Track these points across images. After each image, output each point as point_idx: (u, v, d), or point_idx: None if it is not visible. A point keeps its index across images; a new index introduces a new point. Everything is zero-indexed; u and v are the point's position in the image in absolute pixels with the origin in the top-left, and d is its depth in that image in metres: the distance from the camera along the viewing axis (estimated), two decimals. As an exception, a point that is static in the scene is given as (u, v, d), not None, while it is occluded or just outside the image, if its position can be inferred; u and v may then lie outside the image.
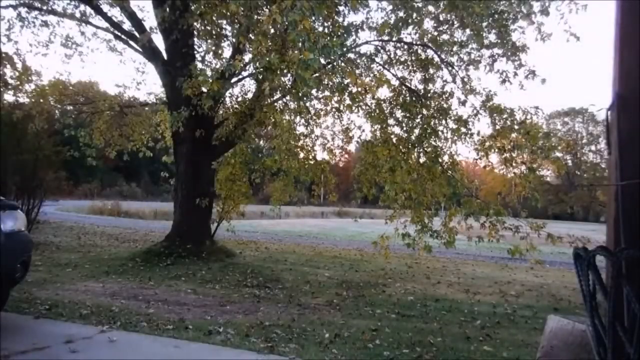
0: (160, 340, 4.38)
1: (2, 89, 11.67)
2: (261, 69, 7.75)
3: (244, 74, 9.99)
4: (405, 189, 9.00)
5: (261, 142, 15.15)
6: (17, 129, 10.93)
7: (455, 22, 8.94)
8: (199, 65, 8.85)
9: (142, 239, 13.35)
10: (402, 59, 9.78)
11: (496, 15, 8.57)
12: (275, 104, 9.92)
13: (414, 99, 9.44)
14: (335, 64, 8.00)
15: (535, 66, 8.85)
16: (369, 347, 4.54)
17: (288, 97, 9.57)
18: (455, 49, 9.09)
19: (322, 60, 7.07)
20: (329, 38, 6.54)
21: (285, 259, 10.87)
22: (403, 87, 9.70)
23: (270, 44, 6.54)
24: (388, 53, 9.83)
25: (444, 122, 9.30)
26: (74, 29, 16.73)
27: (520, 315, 6.43)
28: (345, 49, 7.50)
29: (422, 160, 9.48)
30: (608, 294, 1.95)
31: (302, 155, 10.85)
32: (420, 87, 9.62)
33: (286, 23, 5.63)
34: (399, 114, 9.76)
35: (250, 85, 10.66)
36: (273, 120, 9.84)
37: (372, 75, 9.91)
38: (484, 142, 9.09)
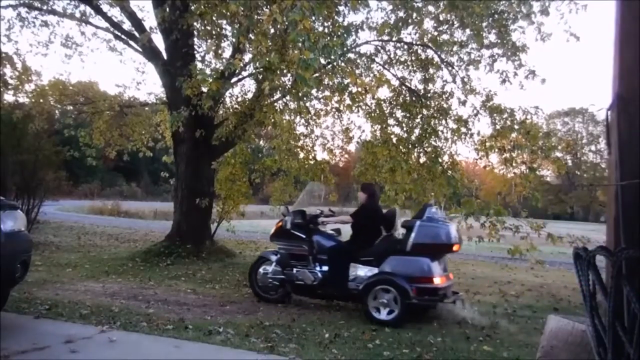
0: (160, 340, 4.38)
1: (2, 89, 11.65)
2: (261, 69, 7.75)
3: (244, 74, 9.99)
4: (406, 189, 8.99)
5: (261, 142, 15.14)
6: (17, 129, 10.92)
7: (455, 22, 8.93)
8: (199, 65, 8.85)
9: (142, 239, 13.35)
10: (402, 59, 9.76)
11: (496, 15, 8.56)
12: (275, 104, 9.90)
13: (414, 99, 9.43)
14: (335, 64, 8.00)
15: (535, 66, 8.86)
16: (369, 347, 4.54)
17: (288, 97, 9.56)
18: (455, 49, 9.08)
19: (322, 60, 7.06)
20: (329, 38, 6.53)
21: (285, 259, 10.85)
22: (403, 87, 9.70)
23: (270, 43, 6.54)
24: (388, 53, 9.83)
25: (444, 122, 9.30)
26: (74, 29, 16.68)
27: (520, 315, 6.43)
28: (345, 49, 7.49)
29: (422, 160, 9.48)
30: (608, 294, 1.95)
31: (302, 155, 10.83)
32: (420, 87, 9.61)
33: (286, 23, 5.63)
34: (399, 114, 9.76)
35: (250, 85, 10.65)
36: (273, 120, 9.81)
37: (372, 75, 9.89)
38: (484, 142, 9.08)
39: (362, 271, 5.92)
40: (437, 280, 5.62)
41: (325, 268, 6.10)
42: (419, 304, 5.55)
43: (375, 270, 5.79)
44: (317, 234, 6.37)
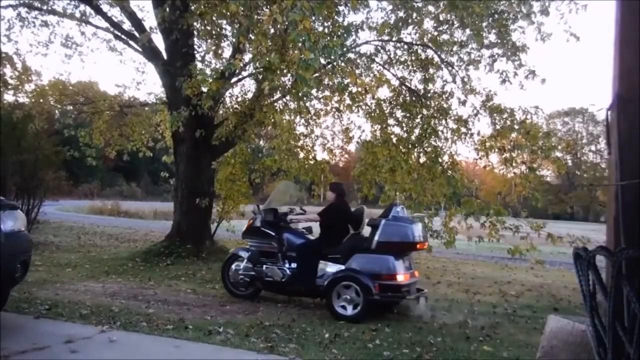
0: (160, 340, 4.38)
1: (2, 89, 11.65)
2: (261, 69, 7.75)
3: (244, 74, 9.99)
4: (406, 189, 9.00)
5: (261, 142, 15.13)
6: (17, 129, 10.91)
7: (455, 22, 8.94)
8: (199, 65, 8.85)
9: (142, 239, 13.34)
10: (402, 59, 9.77)
11: (496, 15, 8.57)
12: (275, 104, 9.90)
13: (414, 99, 9.43)
14: (335, 64, 8.00)
15: (535, 66, 8.88)
16: (369, 347, 4.54)
17: (288, 97, 9.56)
18: (455, 49, 9.09)
19: (322, 60, 7.07)
20: (329, 38, 6.54)
21: (285, 259, 10.84)
22: (403, 87, 9.70)
23: (270, 43, 6.54)
24: (388, 53, 9.83)
25: (444, 122, 9.31)
26: (74, 29, 16.63)
27: (520, 315, 6.43)
28: (345, 49, 7.50)
29: (422, 160, 9.48)
30: (608, 294, 1.95)
31: (302, 155, 10.83)
32: (420, 87, 9.62)
33: (286, 23, 5.63)
34: (399, 114, 9.76)
35: (250, 85, 10.65)
36: (273, 120, 9.82)
37: (372, 75, 9.90)
38: (484, 142, 9.09)
39: (330, 268, 6.04)
40: (400, 278, 5.74)
41: (294, 265, 6.23)
42: (381, 300, 5.69)
43: (342, 268, 5.91)
44: (286, 232, 6.48)
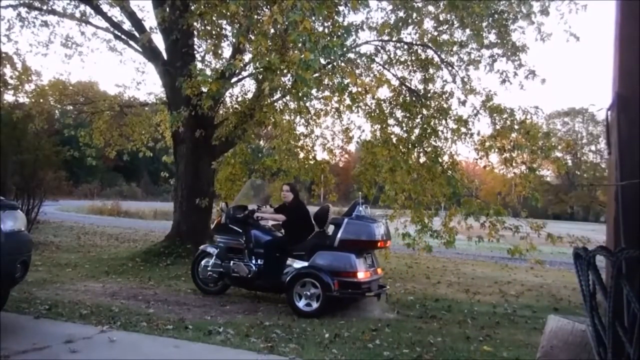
0: (160, 340, 4.38)
1: (2, 89, 11.65)
2: (261, 69, 7.75)
3: (244, 74, 9.99)
4: (405, 189, 8.99)
5: (261, 142, 15.12)
6: (17, 129, 10.91)
7: (455, 22, 8.94)
8: (199, 65, 8.85)
9: (142, 239, 13.35)
10: (402, 59, 9.76)
11: (496, 15, 8.58)
12: (275, 104, 9.90)
13: (414, 99, 9.43)
14: (335, 64, 8.00)
15: (535, 66, 8.88)
16: (369, 347, 4.54)
17: (288, 97, 9.56)
18: (455, 49, 9.08)
19: (322, 61, 7.07)
20: (329, 38, 6.54)
21: (285, 259, 10.83)
22: (403, 87, 9.69)
23: (270, 44, 6.54)
24: (388, 53, 9.82)
25: (444, 122, 9.29)
26: (74, 29, 16.61)
27: (520, 315, 6.43)
28: (345, 49, 7.50)
29: (422, 160, 9.48)
30: (608, 294, 1.95)
31: (302, 155, 10.81)
32: (420, 87, 9.61)
33: (286, 23, 5.63)
34: (399, 114, 9.75)
35: (250, 85, 10.64)
36: (273, 120, 9.81)
37: (372, 75, 9.89)
38: (484, 142, 9.08)
39: (296, 265, 6.13)
40: (361, 275, 5.85)
41: (260, 261, 6.32)
42: (340, 296, 5.80)
43: (305, 264, 6.00)
44: (254, 229, 6.58)
